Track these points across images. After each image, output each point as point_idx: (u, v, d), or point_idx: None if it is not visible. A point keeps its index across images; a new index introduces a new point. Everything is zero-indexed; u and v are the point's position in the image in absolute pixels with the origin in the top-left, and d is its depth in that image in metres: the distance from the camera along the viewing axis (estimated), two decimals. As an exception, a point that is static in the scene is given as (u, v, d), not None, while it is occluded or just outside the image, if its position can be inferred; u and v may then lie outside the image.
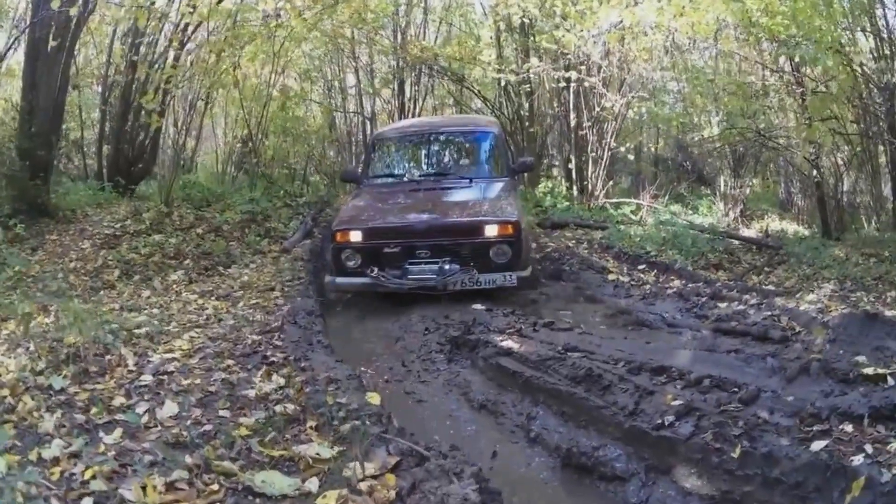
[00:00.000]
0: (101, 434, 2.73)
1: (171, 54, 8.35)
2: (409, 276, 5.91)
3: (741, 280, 6.86)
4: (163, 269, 6.98)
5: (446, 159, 7.78)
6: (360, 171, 7.91)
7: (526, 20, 9.96)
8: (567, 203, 11.60)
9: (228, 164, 13.11)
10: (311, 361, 3.91)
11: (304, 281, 6.79)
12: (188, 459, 2.44)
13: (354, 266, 6.10)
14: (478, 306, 5.50)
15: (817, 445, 2.29)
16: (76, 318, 3.81)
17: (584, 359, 3.48)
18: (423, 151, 7.83)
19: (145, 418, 2.90)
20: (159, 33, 8.80)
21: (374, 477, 2.36)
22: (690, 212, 13.14)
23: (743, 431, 2.40)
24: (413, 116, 14.40)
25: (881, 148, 10.09)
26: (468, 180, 7.04)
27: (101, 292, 6.15)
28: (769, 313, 4.85)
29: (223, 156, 13.53)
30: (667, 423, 2.61)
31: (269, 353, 4.03)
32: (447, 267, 5.91)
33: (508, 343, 4.10)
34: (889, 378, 2.72)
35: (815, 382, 2.80)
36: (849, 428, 2.41)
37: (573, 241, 8.98)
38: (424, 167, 7.65)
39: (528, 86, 11.14)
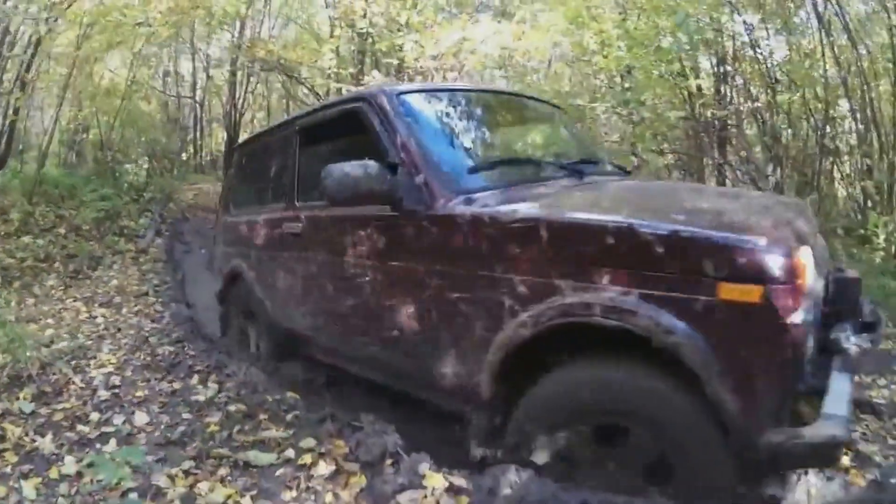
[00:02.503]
0: (99, 445, 3.27)
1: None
2: None
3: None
4: (38, 273, 7.37)
5: (562, 144, 4.50)
6: (386, 177, 3.15)
7: (371, 31, 10.36)
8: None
9: (70, 151, 12.91)
10: (229, 367, 4.64)
11: (172, 285, 7.49)
12: (187, 452, 3.12)
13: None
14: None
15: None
16: (14, 340, 4.36)
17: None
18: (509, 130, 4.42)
19: (127, 427, 3.52)
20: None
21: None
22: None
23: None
24: (244, 103, 14.65)
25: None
26: (624, 173, 4.20)
27: (-10, 303, 6.47)
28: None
29: (59, 138, 13.26)
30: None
31: (191, 364, 4.74)
32: None
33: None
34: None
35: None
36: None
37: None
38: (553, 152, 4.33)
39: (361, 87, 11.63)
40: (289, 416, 3.67)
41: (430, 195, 3.05)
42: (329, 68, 11.47)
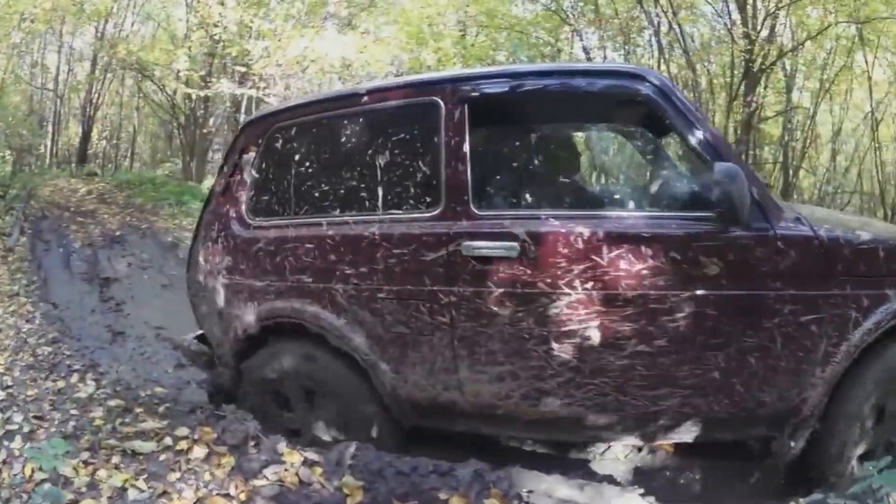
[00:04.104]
0: (6, 443, 3.47)
1: None
2: None
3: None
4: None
5: None
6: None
7: (224, 35, 10.30)
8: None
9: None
10: (103, 365, 5.24)
11: (39, 284, 7.85)
12: (82, 444, 3.35)
13: None
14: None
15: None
16: None
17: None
18: None
19: (27, 425, 3.73)
20: None
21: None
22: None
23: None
24: (100, 98, 14.10)
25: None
26: None
27: None
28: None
29: None
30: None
31: (69, 363, 5.18)
32: None
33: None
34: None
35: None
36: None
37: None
38: None
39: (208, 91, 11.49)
40: (161, 409, 4.03)
41: (769, 211, 2.89)
42: (180, 71, 11.31)
